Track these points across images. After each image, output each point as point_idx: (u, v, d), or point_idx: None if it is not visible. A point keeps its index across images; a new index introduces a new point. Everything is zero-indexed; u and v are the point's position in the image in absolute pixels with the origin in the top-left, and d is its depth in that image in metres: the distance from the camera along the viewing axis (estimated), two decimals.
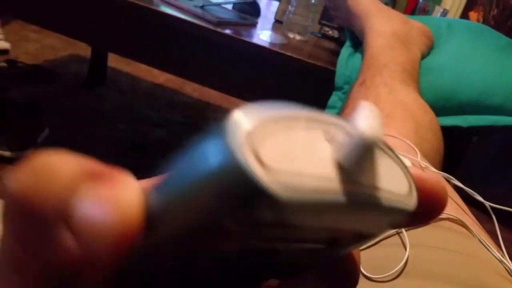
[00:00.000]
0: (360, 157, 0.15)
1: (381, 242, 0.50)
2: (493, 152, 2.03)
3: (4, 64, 2.12)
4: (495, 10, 1.29)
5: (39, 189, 0.14)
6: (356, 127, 0.15)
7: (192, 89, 2.56)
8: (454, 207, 0.53)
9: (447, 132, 0.82)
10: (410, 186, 0.17)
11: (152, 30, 1.19)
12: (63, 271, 0.14)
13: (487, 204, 0.53)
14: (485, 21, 1.31)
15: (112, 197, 0.14)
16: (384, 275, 0.46)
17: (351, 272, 0.21)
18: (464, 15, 1.35)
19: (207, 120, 2.34)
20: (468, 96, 0.93)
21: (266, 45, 1.09)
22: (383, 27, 0.96)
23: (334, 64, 1.04)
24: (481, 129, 0.95)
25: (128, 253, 0.14)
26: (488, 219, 0.55)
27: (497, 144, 2.03)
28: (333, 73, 1.02)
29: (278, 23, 1.39)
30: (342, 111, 0.84)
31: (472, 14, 1.34)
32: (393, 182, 0.16)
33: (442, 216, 0.50)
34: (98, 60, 2.33)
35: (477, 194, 0.54)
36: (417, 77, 0.89)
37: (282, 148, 0.14)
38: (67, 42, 2.63)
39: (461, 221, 0.50)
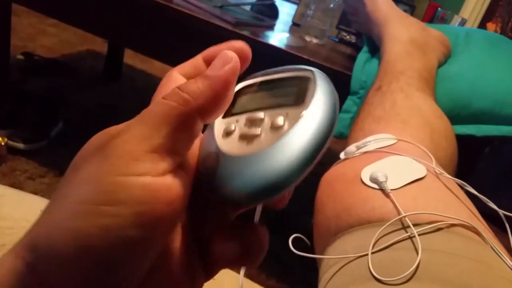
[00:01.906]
0: None
1: (393, 246, 0.50)
2: (504, 164, 2.02)
3: (21, 57, 2.15)
4: None
5: None
6: None
7: None
8: (467, 213, 0.53)
9: (460, 141, 0.82)
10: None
11: (170, 28, 1.20)
12: None
13: (501, 212, 0.53)
14: (502, 32, 1.31)
15: None
16: (395, 278, 0.46)
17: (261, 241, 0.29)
18: (482, 26, 1.35)
19: None
20: (483, 105, 0.93)
21: (283, 47, 1.09)
22: (401, 34, 0.96)
23: (350, 69, 1.04)
24: (494, 139, 0.95)
25: None
26: (499, 231, 0.54)
27: (509, 156, 2.02)
28: (349, 77, 1.02)
29: (295, 26, 1.39)
30: (357, 116, 0.85)
31: (490, 25, 1.33)
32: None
33: (455, 222, 0.50)
34: (114, 56, 2.35)
35: (490, 202, 0.53)
36: (434, 85, 0.89)
37: None
38: (84, 37, 2.65)
39: (474, 227, 0.50)
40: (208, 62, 0.32)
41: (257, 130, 0.28)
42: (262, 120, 0.29)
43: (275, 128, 0.28)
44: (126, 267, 0.24)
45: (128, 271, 0.24)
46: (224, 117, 0.31)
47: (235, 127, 0.30)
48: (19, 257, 0.24)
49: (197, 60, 0.33)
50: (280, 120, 0.28)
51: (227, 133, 0.30)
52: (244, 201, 0.27)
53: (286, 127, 0.27)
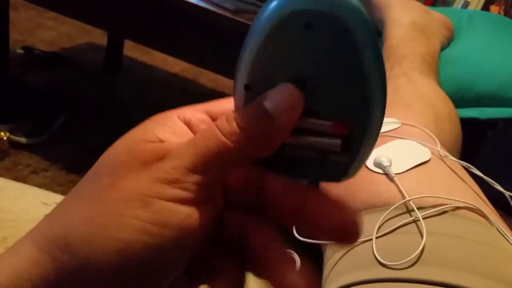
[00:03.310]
0: None
1: (397, 230, 0.49)
2: (509, 148, 2.01)
3: (20, 51, 2.14)
4: None
5: None
6: None
7: (207, 80, 2.56)
8: (473, 196, 0.52)
9: (464, 124, 0.81)
10: None
11: (169, 18, 1.19)
12: None
13: (507, 193, 0.53)
14: (506, 15, 1.29)
15: None
16: (400, 262, 0.45)
17: None
18: (485, 8, 1.33)
19: None
20: (486, 88, 0.92)
21: None
22: (404, 18, 0.95)
23: None
24: (498, 122, 0.94)
25: None
26: (505, 214, 0.54)
27: None
28: None
29: None
30: None
31: (493, 8, 1.32)
32: None
33: (460, 204, 0.50)
34: (114, 48, 2.34)
35: (496, 184, 0.53)
36: (437, 68, 0.89)
37: None
38: (84, 30, 2.64)
39: (479, 210, 0.50)
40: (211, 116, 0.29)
41: None
42: None
43: None
44: (148, 284, 0.24)
45: None
46: None
47: None
48: (44, 251, 0.24)
49: (199, 113, 0.29)
50: None
51: None
52: None
53: None
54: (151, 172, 0.24)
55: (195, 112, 0.29)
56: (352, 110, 0.25)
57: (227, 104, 0.29)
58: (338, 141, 0.26)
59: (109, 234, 0.23)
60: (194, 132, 0.27)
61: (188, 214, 0.24)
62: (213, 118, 0.28)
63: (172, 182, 0.24)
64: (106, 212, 0.24)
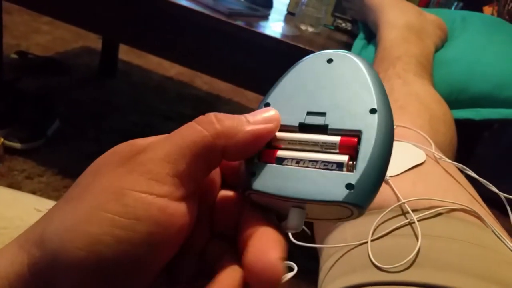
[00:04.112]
0: None
1: (393, 233, 0.49)
2: (504, 148, 2.01)
3: (15, 56, 2.13)
4: (510, 5, 1.27)
5: None
6: None
7: (203, 82, 2.56)
8: (468, 198, 0.52)
9: (459, 125, 0.81)
10: None
11: (164, 21, 1.19)
12: None
13: (502, 195, 0.52)
14: (499, 16, 1.30)
15: None
16: (396, 265, 0.45)
17: None
18: (479, 9, 1.34)
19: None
20: (481, 89, 0.92)
21: (278, 37, 1.08)
22: (397, 20, 0.95)
23: None
24: (493, 123, 0.94)
25: None
26: (501, 215, 0.54)
27: (508, 140, 2.01)
28: None
29: (290, 15, 1.38)
30: None
31: (487, 9, 1.32)
32: None
33: (455, 206, 0.50)
34: (109, 52, 2.33)
35: (491, 185, 0.53)
36: (431, 70, 0.89)
37: None
38: (78, 34, 2.64)
39: (474, 211, 0.50)
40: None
41: None
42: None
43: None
44: (123, 283, 0.24)
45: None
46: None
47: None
48: (22, 249, 0.24)
49: None
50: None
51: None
52: None
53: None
54: (127, 166, 0.24)
55: None
56: (360, 121, 0.28)
57: None
58: (345, 157, 0.27)
59: (80, 229, 0.23)
60: None
61: (161, 208, 0.24)
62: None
63: (147, 173, 0.24)
64: (80, 208, 0.23)
